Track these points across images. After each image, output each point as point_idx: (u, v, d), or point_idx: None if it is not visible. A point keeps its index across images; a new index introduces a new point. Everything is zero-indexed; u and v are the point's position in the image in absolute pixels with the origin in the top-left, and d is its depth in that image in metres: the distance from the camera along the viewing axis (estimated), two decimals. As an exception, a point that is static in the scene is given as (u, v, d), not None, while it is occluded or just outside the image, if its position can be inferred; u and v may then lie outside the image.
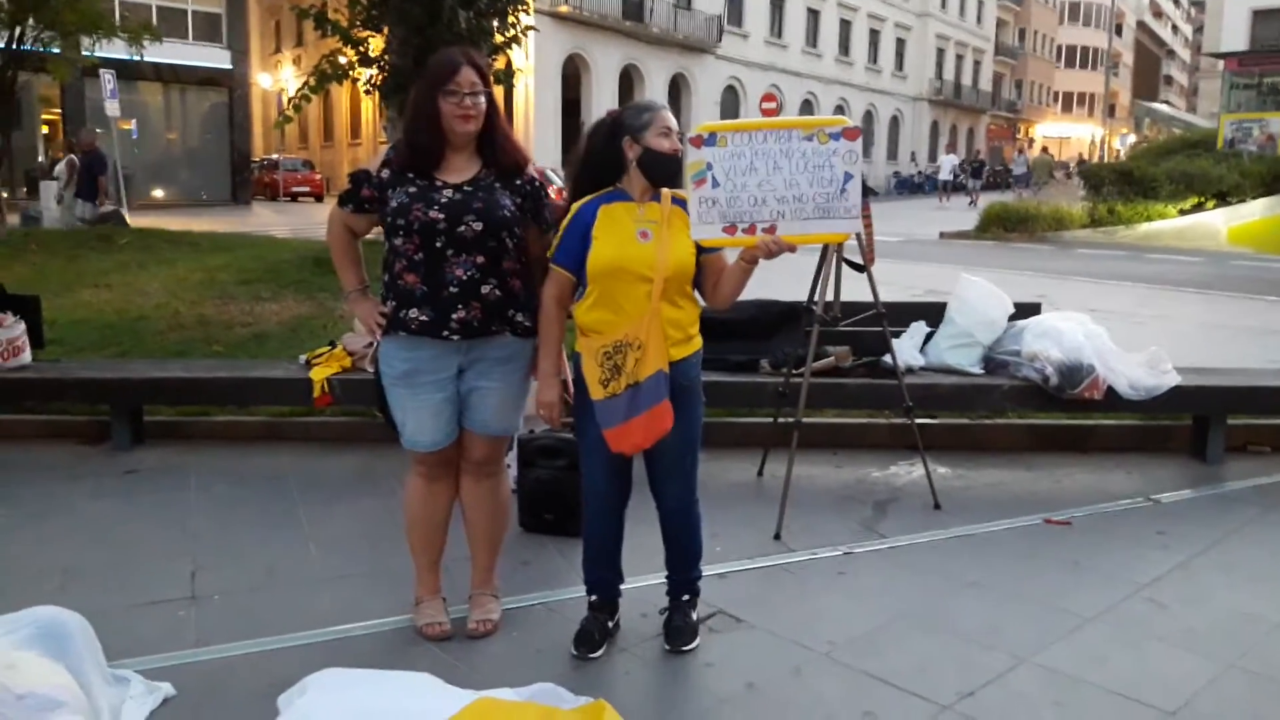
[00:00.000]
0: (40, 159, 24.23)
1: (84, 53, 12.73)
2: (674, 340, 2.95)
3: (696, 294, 3.08)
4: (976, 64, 55.71)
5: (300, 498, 4.56)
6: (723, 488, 4.71)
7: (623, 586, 3.26)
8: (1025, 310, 5.29)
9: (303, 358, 5.36)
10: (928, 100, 50.66)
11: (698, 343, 3.08)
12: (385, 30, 9.07)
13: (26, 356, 5.27)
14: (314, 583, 3.67)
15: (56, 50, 12.28)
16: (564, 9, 30.32)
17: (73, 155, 15.03)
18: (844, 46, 45.13)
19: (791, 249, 2.97)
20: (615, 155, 2.97)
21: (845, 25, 44.99)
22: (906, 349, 5.17)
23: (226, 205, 26.90)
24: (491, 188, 3.00)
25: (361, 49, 9.21)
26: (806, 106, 42.34)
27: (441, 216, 2.91)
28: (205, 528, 4.20)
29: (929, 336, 5.29)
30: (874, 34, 47.01)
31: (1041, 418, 5.37)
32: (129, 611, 3.35)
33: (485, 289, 2.96)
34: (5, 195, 13.33)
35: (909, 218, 24.61)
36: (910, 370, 5.06)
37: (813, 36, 43.13)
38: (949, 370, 5.10)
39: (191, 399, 5.43)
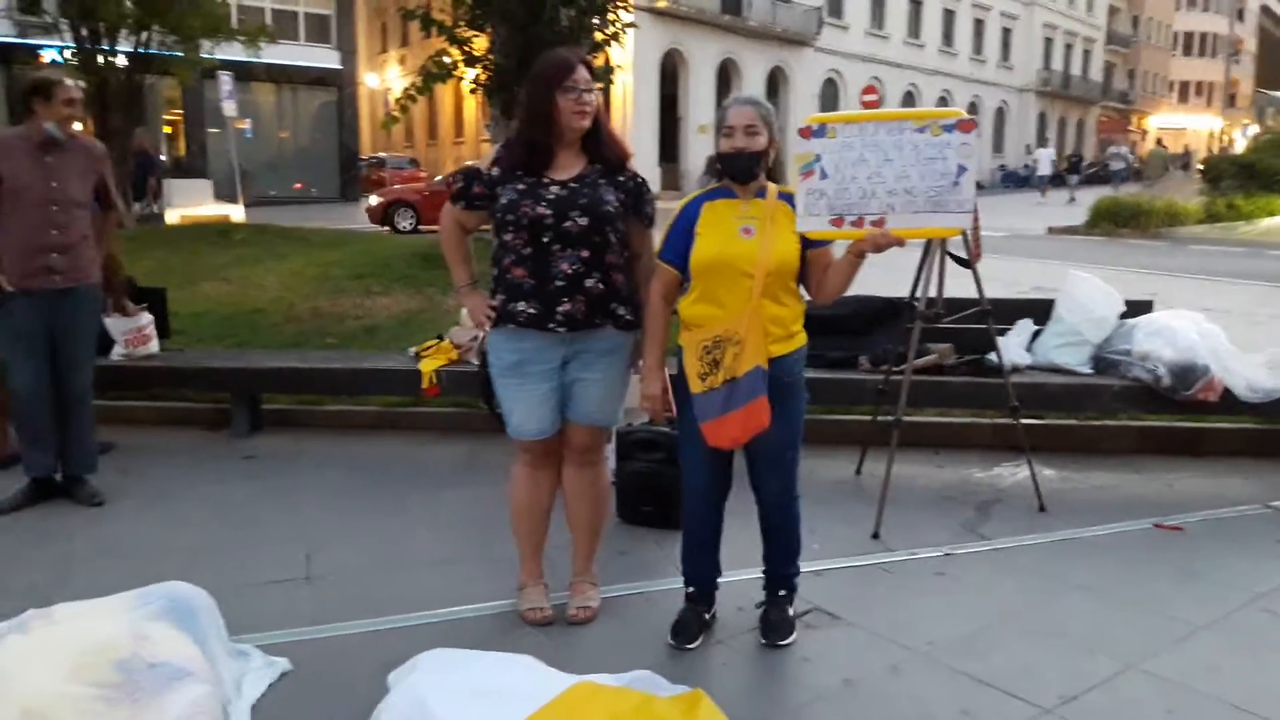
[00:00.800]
0: (164, 158, 25.36)
1: (203, 55, 13.28)
2: (775, 337, 2.96)
3: (802, 289, 3.09)
4: (1086, 53, 53.86)
5: (409, 484, 4.73)
6: (821, 485, 4.69)
7: (720, 580, 3.30)
8: (1136, 308, 5.12)
9: (412, 350, 5.54)
10: (1035, 91, 49.17)
11: (801, 339, 3.08)
12: (489, 30, 9.24)
13: (154, 346, 5.56)
14: (423, 566, 3.80)
15: (180, 54, 12.85)
16: (662, 4, 30.35)
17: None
18: (947, 37, 44.11)
19: (900, 243, 2.96)
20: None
21: (948, 15, 43.97)
22: (1012, 347, 5.07)
23: (335, 202, 27.74)
24: (596, 184, 3.06)
25: (466, 48, 9.39)
26: (908, 99, 41.53)
27: (549, 212, 2.99)
28: (319, 512, 4.38)
29: (1036, 335, 5.18)
30: (978, 24, 45.83)
31: (1152, 419, 5.20)
32: (249, 589, 3.53)
33: (589, 282, 3.03)
34: (130, 193, 13.99)
35: (1014, 212, 23.96)
36: (1016, 369, 4.97)
37: (915, 27, 42.28)
38: (1056, 369, 4.98)
39: (306, 388, 5.67)
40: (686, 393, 3.02)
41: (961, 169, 3.04)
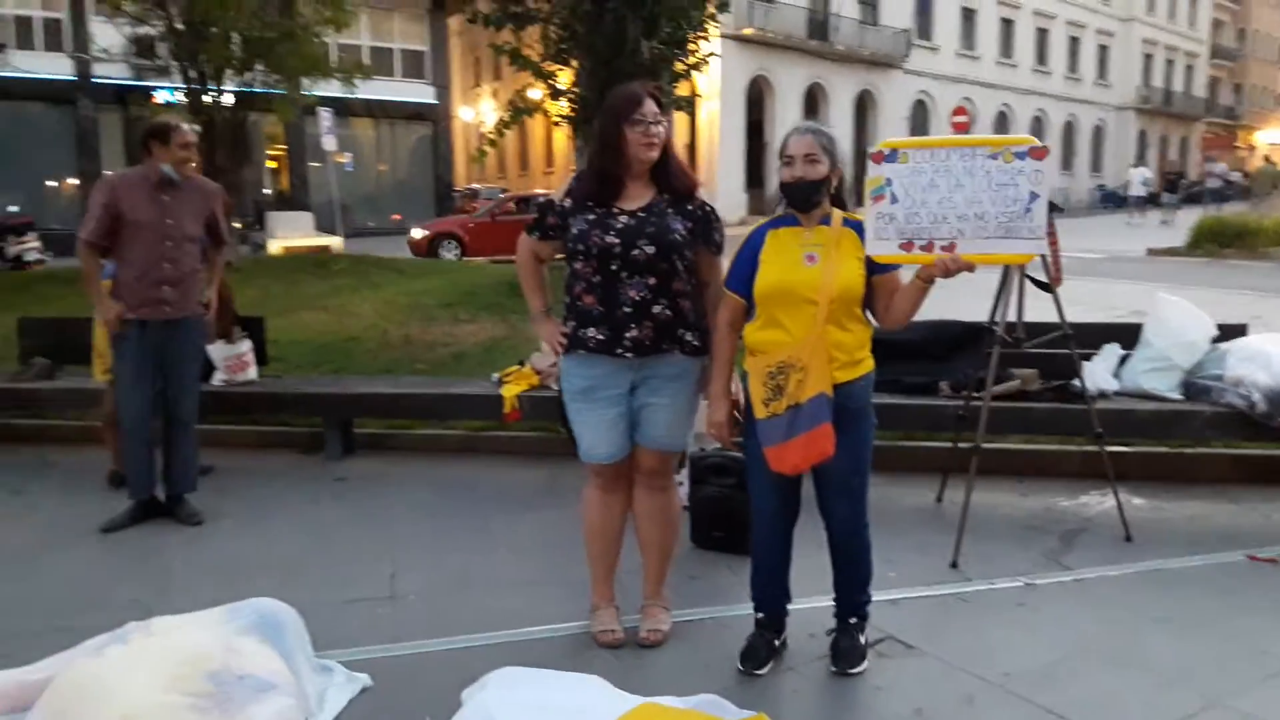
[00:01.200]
0: (267, 192, 26.43)
1: (304, 93, 13.85)
2: (839, 363, 2.97)
3: (869, 315, 3.10)
4: (1189, 68, 52.16)
5: (493, 507, 4.85)
6: (899, 513, 4.66)
7: (791, 606, 3.30)
8: (1230, 332, 4.95)
9: (495, 376, 5.69)
10: (1134, 109, 47.80)
11: (867, 365, 3.08)
12: (574, 63, 9.45)
13: (253, 372, 5.83)
14: (502, 587, 3.89)
15: (281, 91, 13.42)
16: (748, 31, 30.49)
17: None
18: (1040, 56, 43.25)
19: (970, 268, 2.96)
20: None
21: (1041, 34, 43.12)
22: (1099, 372, 4.96)
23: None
24: (664, 213, 3.13)
25: (552, 82, 9.62)
26: (1001, 119, 40.82)
27: (617, 241, 3.07)
28: (406, 532, 4.52)
29: (1124, 360, 5.05)
30: (1073, 41, 44.80)
31: (1249, 447, 5.01)
32: (335, 607, 3.66)
33: (656, 309, 3.10)
34: (238, 225, 14.60)
35: (1112, 233, 23.31)
36: (1103, 395, 4.85)
37: (1007, 46, 41.57)
38: (1145, 395, 4.84)
39: (396, 413, 5.88)
40: (751, 418, 3.05)
41: (1034, 196, 3.03)
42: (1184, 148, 52.29)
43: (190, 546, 4.36)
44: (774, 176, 3.17)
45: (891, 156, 3.08)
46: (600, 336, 3.12)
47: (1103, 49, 46.58)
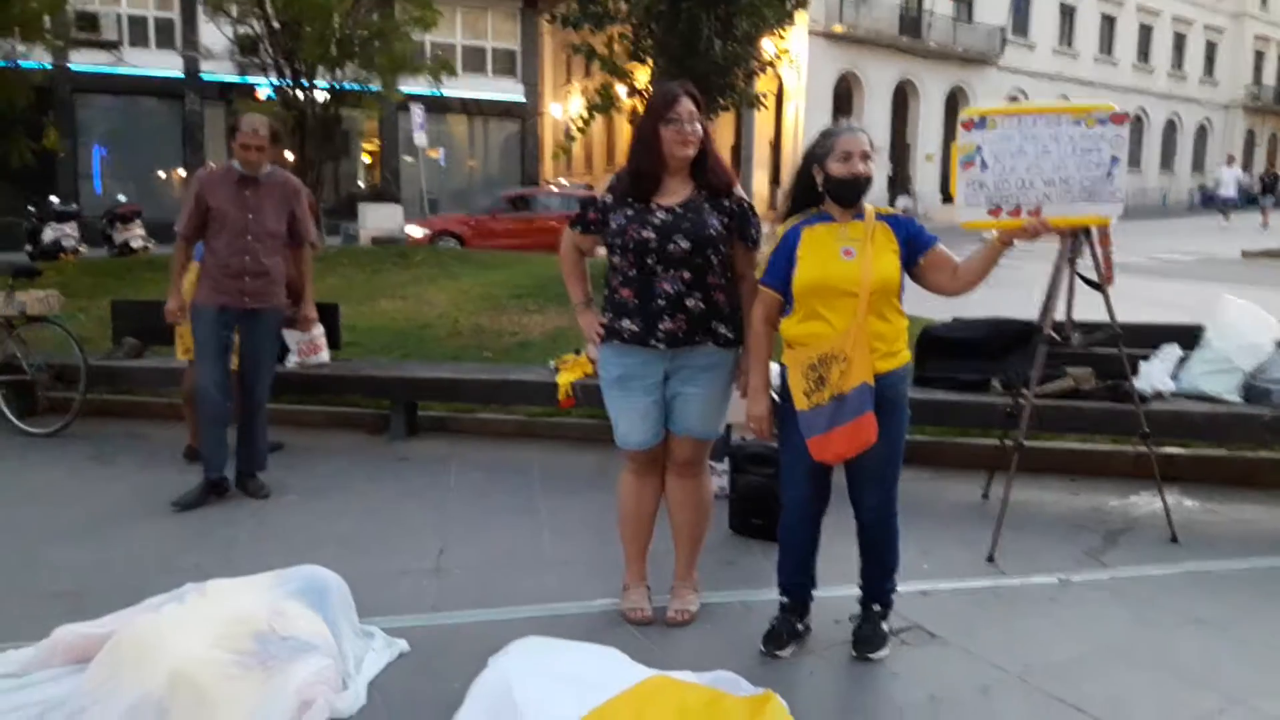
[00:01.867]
0: (361, 185, 27.19)
1: (393, 90, 14.25)
2: (879, 353, 3.03)
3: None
4: (1305, 66, 49.74)
5: (542, 490, 5.01)
6: (944, 507, 4.68)
7: (817, 592, 3.37)
8: (1297, 335, 4.83)
9: (552, 363, 5.85)
10: (1242, 107, 45.82)
11: (905, 356, 3.13)
12: (649, 62, 9.58)
13: (325, 355, 6.09)
14: (542, 565, 4.04)
15: (372, 89, 13.85)
16: (838, 28, 30.21)
17: None
18: (1143, 53, 41.76)
19: (1053, 231, 3.01)
20: (812, 182, 3.12)
21: (1145, 30, 41.62)
22: (1156, 373, 4.88)
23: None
24: (700, 208, 3.22)
25: (628, 80, 9.76)
26: (1101, 118, 39.57)
27: (653, 236, 3.18)
28: (458, 511, 4.71)
29: (1183, 360, 4.96)
30: (1179, 38, 43.14)
31: (1312, 453, 4.89)
32: (383, 578, 3.85)
33: (690, 302, 3.19)
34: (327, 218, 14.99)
35: (1206, 235, 22.47)
36: (1160, 396, 4.78)
37: (1107, 43, 40.26)
38: (1203, 397, 4.76)
39: (456, 397, 6.09)
40: (790, 410, 3.13)
41: (1115, 160, 3.11)
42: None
43: (254, 518, 4.61)
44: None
45: (981, 124, 3.15)
46: (634, 328, 3.23)
47: (1211, 45, 44.74)
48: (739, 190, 3.32)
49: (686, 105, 3.21)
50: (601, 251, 3.44)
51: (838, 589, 3.47)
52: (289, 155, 13.78)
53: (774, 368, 4.63)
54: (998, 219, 3.06)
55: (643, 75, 9.90)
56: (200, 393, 4.84)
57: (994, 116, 3.15)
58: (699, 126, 3.22)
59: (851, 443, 3.00)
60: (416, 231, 17.94)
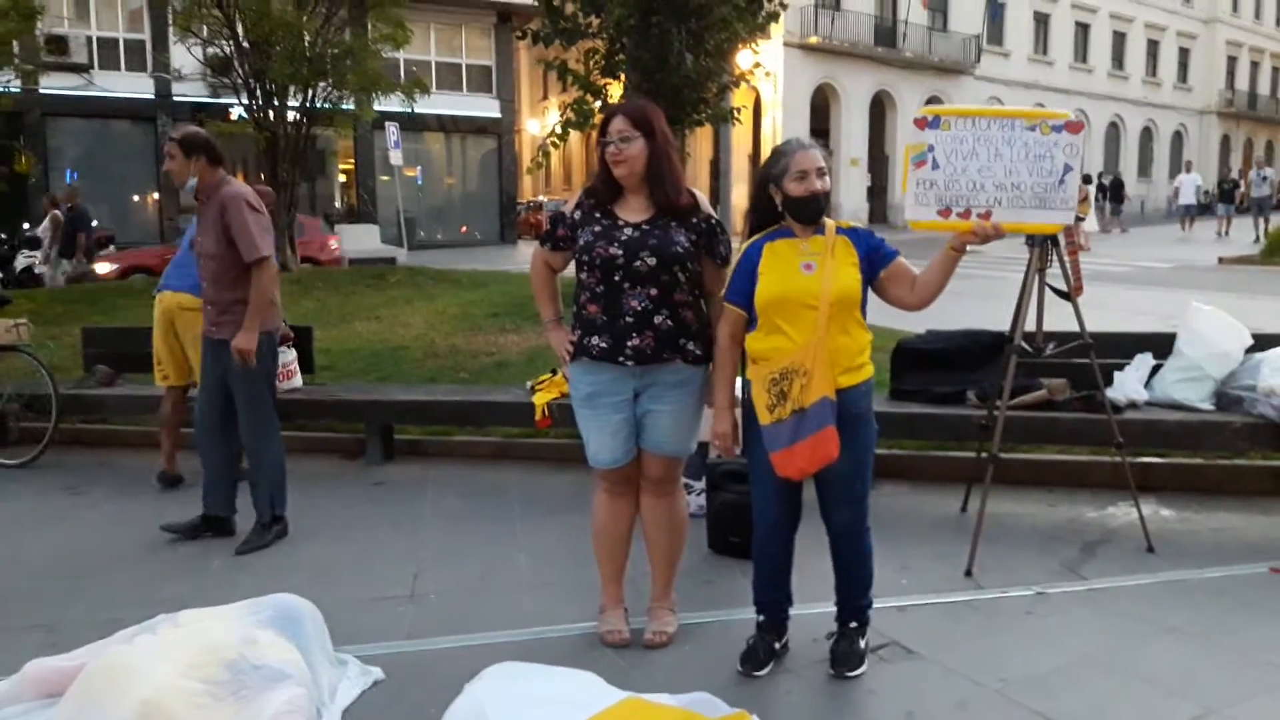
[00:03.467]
0: (337, 205, 27.11)
1: (366, 109, 14.21)
2: (841, 368, 3.03)
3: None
4: (1276, 70, 50.41)
5: (519, 511, 4.98)
6: (922, 521, 4.68)
7: (796, 611, 3.36)
8: (1266, 342, 4.86)
9: (528, 384, 5.82)
10: (1216, 113, 46.37)
11: (868, 371, 3.13)
12: (622, 77, 9.58)
13: (298, 380, 6.04)
14: (518, 588, 4.01)
15: (344, 108, 13.79)
16: (814, 40, 30.40)
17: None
18: (1118, 60, 42.23)
19: (1002, 235, 3.02)
20: (770, 202, 3.12)
21: (1119, 37, 42.09)
22: (1130, 382, 4.90)
23: (495, 245, 28.90)
24: (667, 226, 3.22)
25: (601, 96, 9.75)
26: (1075, 126, 39.96)
27: (620, 253, 3.17)
28: (433, 535, 4.68)
29: (1156, 370, 4.99)
30: (1152, 44, 43.64)
31: (1286, 459, 4.91)
32: (357, 604, 3.82)
33: (658, 319, 3.19)
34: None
35: (1183, 242, 22.66)
36: (1133, 405, 4.80)
37: (1082, 51, 40.67)
38: (1176, 406, 4.78)
39: (432, 420, 6.05)
40: (755, 425, 3.12)
41: (1068, 168, 3.10)
42: (1270, 152, 50.53)
43: (229, 546, 4.54)
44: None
45: (934, 123, 3.14)
46: (603, 345, 3.22)
47: (1184, 51, 45.30)
48: (706, 207, 3.32)
49: (618, 124, 3.21)
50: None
51: (815, 606, 3.46)
52: (261, 175, 13.71)
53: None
54: (947, 220, 3.06)
55: (616, 90, 9.91)
56: (195, 431, 4.74)
57: (948, 117, 3.15)
58: (632, 145, 3.17)
59: (813, 457, 2.99)
60: (103, 268, 15.22)
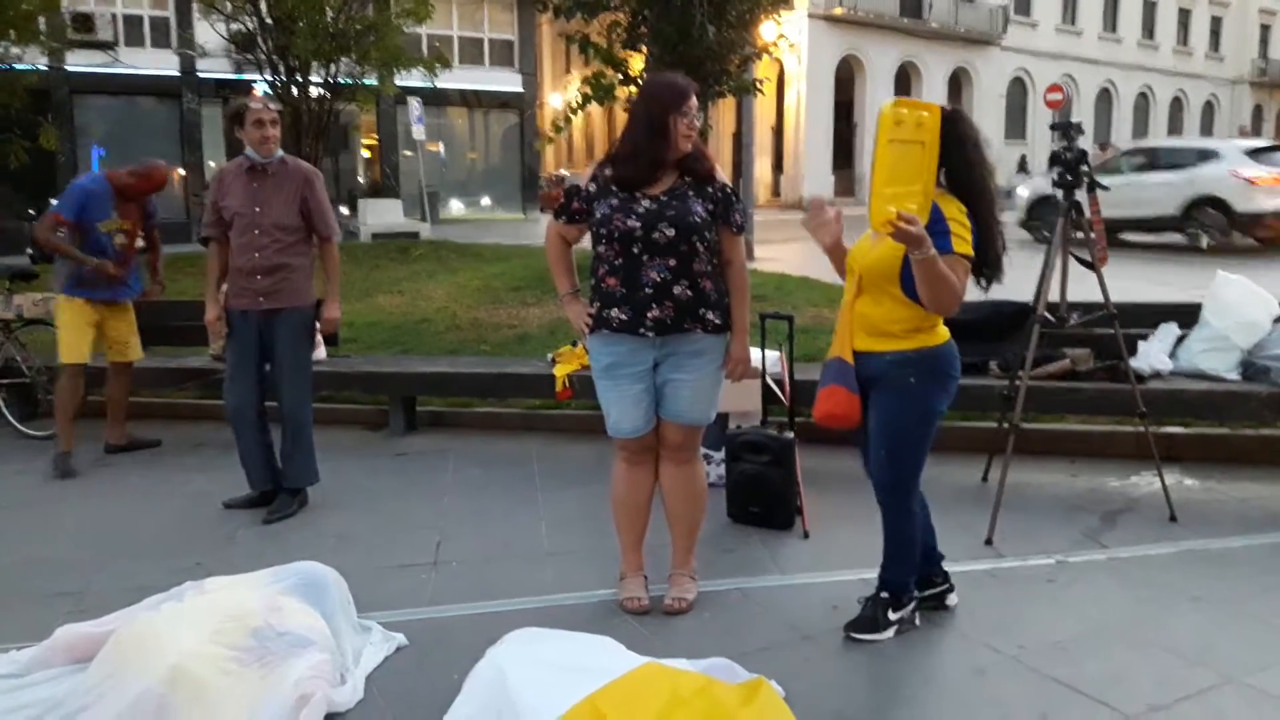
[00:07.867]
0: (360, 180, 27.17)
1: (388, 84, 14.21)
2: (863, 334, 3.06)
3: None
4: (1311, 39, 49.38)
5: (540, 482, 5.01)
6: (944, 491, 4.62)
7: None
8: (1296, 311, 4.80)
9: (549, 355, 5.84)
10: (1249, 83, 45.52)
11: (898, 344, 3.04)
12: (643, 49, 9.52)
13: (321, 352, 6.07)
14: (540, 556, 4.05)
15: (367, 83, 13.81)
16: (838, 11, 30.09)
17: None
18: (1148, 29, 41.49)
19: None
20: None
21: (1149, 7, 41.31)
22: (1154, 352, 4.86)
23: (519, 218, 28.90)
24: (685, 195, 3.22)
25: (623, 69, 9.70)
26: (1104, 95, 39.41)
27: (638, 225, 3.17)
28: (456, 505, 4.72)
29: (1181, 339, 4.94)
30: (1184, 13, 42.80)
31: (1313, 429, 4.86)
32: (381, 572, 3.87)
33: (677, 289, 3.19)
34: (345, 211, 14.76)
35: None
36: (1157, 375, 4.77)
37: (1111, 21, 39.99)
38: (1201, 376, 4.74)
39: (453, 391, 6.09)
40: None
41: None
42: (1303, 122, 49.62)
43: (255, 515, 4.61)
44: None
45: None
46: (623, 316, 3.23)
47: (1216, 20, 44.42)
48: (721, 176, 3.31)
49: (695, 100, 3.24)
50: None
51: (839, 574, 3.49)
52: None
53: (771, 355, 4.61)
54: None
55: (637, 63, 9.85)
56: (227, 406, 4.62)
57: None
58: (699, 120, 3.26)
59: (824, 407, 3.12)
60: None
